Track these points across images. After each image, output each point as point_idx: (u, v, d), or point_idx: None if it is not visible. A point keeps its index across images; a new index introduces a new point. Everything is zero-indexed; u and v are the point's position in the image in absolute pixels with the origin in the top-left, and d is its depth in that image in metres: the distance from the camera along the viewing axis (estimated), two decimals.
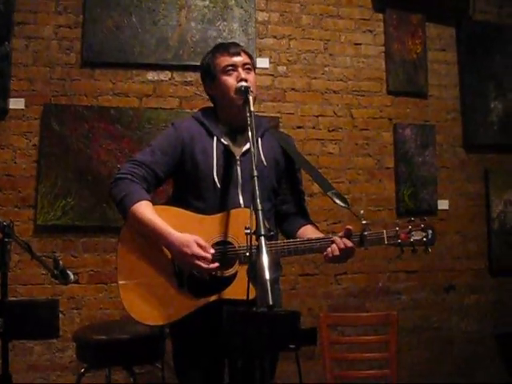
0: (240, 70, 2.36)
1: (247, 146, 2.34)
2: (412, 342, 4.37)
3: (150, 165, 2.30)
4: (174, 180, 2.46)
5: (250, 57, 2.47)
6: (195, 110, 4.07)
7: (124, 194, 2.22)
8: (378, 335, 3.47)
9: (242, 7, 4.29)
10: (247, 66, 2.40)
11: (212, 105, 2.52)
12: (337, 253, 2.18)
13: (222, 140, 2.36)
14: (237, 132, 2.39)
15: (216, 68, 2.39)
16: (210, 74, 2.42)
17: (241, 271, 2.15)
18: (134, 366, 3.33)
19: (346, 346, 3.68)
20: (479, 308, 4.60)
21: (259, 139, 2.41)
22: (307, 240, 2.25)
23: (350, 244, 2.18)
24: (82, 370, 3.18)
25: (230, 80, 2.34)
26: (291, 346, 1.61)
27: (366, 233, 2.21)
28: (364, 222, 2.22)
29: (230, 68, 2.36)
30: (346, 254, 2.19)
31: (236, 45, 2.47)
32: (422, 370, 4.36)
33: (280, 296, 2.50)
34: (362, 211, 2.27)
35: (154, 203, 2.27)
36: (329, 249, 2.20)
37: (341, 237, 2.20)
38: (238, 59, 2.38)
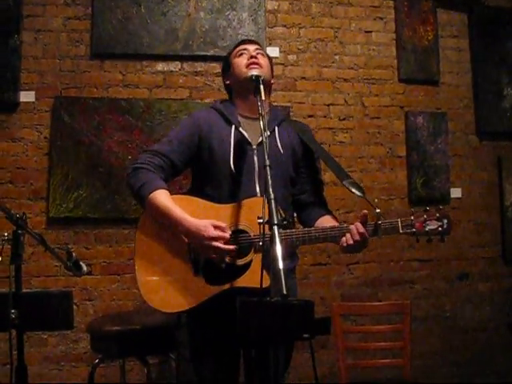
0: (251, 51, 2.45)
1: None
2: (425, 331, 4.35)
3: (167, 154, 2.34)
4: (192, 170, 2.49)
5: (265, 53, 2.57)
6: (206, 101, 4.13)
7: (142, 183, 2.26)
8: (391, 324, 3.45)
9: None
10: (259, 51, 2.48)
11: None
12: (351, 241, 2.18)
13: (240, 129, 2.38)
14: (254, 121, 2.39)
15: (231, 57, 2.51)
16: (226, 65, 2.54)
17: (256, 259, 2.17)
18: (148, 357, 3.35)
19: (359, 336, 3.67)
20: (493, 296, 4.57)
21: (276, 128, 2.43)
22: (321, 229, 2.25)
23: (361, 229, 2.17)
24: (97, 361, 3.19)
25: (241, 59, 2.44)
26: (305, 336, 1.60)
27: (380, 222, 2.21)
28: (378, 210, 2.22)
29: (242, 51, 2.47)
30: (359, 241, 2.18)
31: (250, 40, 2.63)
32: (436, 359, 4.35)
33: (295, 286, 2.52)
34: (376, 200, 2.27)
35: (170, 193, 2.30)
36: (343, 238, 2.20)
37: (355, 223, 2.20)
38: (250, 46, 2.49)
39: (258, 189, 2.29)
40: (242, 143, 2.35)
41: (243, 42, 2.56)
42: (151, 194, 2.23)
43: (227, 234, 2.16)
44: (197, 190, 2.38)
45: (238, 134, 2.37)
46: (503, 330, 4.53)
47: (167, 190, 2.27)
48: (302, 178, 2.49)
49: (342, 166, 2.58)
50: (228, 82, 2.54)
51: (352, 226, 2.20)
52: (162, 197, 2.23)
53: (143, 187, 2.25)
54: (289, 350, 2.39)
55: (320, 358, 3.97)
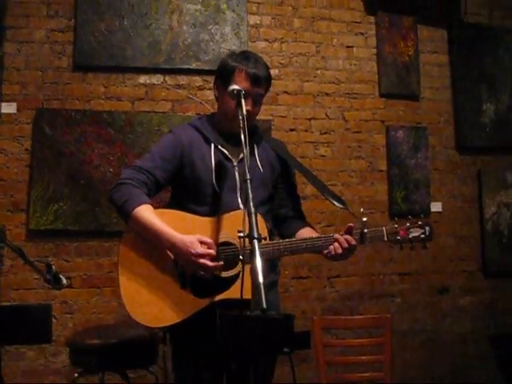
0: (249, 100, 2.31)
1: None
2: (406, 345, 4.37)
3: (149, 170, 2.33)
4: (171, 186, 2.47)
5: (268, 85, 2.42)
6: (188, 114, 4.13)
7: (126, 198, 2.24)
8: (372, 338, 3.46)
9: (233, 11, 4.29)
10: (258, 98, 2.36)
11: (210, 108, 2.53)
12: (339, 251, 2.22)
13: (219, 147, 2.38)
14: (234, 139, 2.37)
15: (231, 82, 2.30)
16: (223, 82, 2.37)
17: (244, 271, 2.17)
18: (128, 371, 3.32)
19: (340, 349, 3.67)
20: (473, 310, 4.60)
21: (255, 146, 2.43)
22: (309, 238, 2.28)
23: (353, 242, 2.23)
24: (76, 375, 3.16)
25: (233, 104, 2.25)
26: (285, 350, 1.60)
27: (365, 230, 2.25)
28: (364, 219, 2.26)
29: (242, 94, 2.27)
30: (348, 251, 2.23)
31: (261, 67, 2.37)
32: (416, 372, 4.36)
33: (279, 299, 2.53)
34: (361, 209, 2.31)
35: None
36: (331, 247, 2.24)
37: (343, 234, 2.24)
38: (254, 89, 2.33)
39: (240, 204, 2.30)
40: (222, 161, 2.36)
41: (251, 77, 2.31)
42: (135, 209, 2.21)
43: (214, 251, 2.14)
44: (178, 205, 2.36)
45: (218, 152, 2.37)
46: (483, 342, 4.56)
47: (151, 204, 2.26)
48: (281, 194, 2.50)
49: (323, 180, 2.60)
50: (216, 95, 2.46)
51: (338, 236, 2.23)
52: (147, 212, 2.22)
53: (127, 202, 2.23)
54: (271, 364, 2.38)
55: (301, 372, 3.95)
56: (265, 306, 1.59)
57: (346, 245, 2.21)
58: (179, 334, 2.34)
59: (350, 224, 2.25)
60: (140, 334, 3.06)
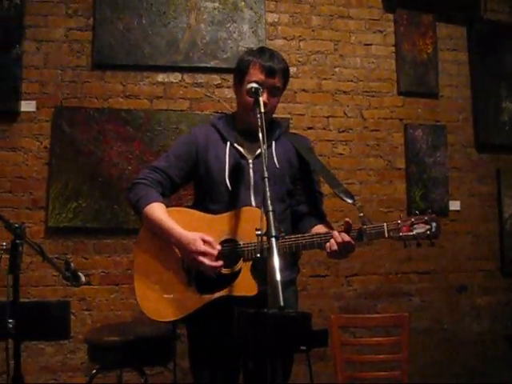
0: (265, 92, 2.33)
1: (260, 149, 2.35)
2: (424, 344, 4.34)
3: (164, 170, 2.41)
4: (194, 185, 2.54)
5: (285, 77, 2.44)
6: (205, 112, 4.14)
7: (139, 197, 2.34)
8: (390, 337, 3.45)
9: (251, 8, 4.29)
10: (274, 90, 2.39)
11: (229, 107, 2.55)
12: (335, 247, 2.19)
13: (235, 145, 2.42)
14: (252, 136, 2.38)
15: (246, 77, 2.37)
16: (240, 78, 2.42)
17: (245, 268, 2.20)
18: (145, 367, 3.34)
19: (358, 348, 3.66)
20: (491, 309, 4.56)
21: (273, 142, 2.45)
22: (308, 235, 2.27)
23: (347, 238, 2.18)
24: (94, 372, 3.18)
25: (251, 100, 2.29)
26: (302, 348, 1.60)
27: (365, 226, 2.21)
28: (361, 214, 2.22)
29: (257, 88, 2.27)
30: (344, 248, 2.19)
31: (276, 61, 2.40)
32: (434, 372, 4.33)
33: (296, 297, 2.52)
34: (359, 203, 2.28)
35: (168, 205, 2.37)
36: (327, 244, 2.21)
37: (340, 232, 2.21)
38: (269, 80, 2.35)
39: (253, 202, 2.32)
40: (237, 159, 2.39)
41: (265, 68, 2.34)
42: (146, 207, 2.30)
43: (215, 251, 2.19)
44: (199, 204, 2.43)
45: (233, 149, 2.40)
46: (501, 342, 4.52)
47: (163, 203, 2.34)
48: (299, 190, 2.51)
49: (340, 178, 2.58)
50: (235, 91, 2.50)
51: (335, 232, 2.21)
52: (157, 209, 2.30)
53: (140, 201, 2.33)
54: (288, 363, 2.38)
55: (318, 370, 3.95)
56: (282, 303, 1.59)
57: (339, 240, 2.17)
58: (195, 331, 2.40)
59: (347, 219, 2.21)
60: (158, 331, 3.08)
